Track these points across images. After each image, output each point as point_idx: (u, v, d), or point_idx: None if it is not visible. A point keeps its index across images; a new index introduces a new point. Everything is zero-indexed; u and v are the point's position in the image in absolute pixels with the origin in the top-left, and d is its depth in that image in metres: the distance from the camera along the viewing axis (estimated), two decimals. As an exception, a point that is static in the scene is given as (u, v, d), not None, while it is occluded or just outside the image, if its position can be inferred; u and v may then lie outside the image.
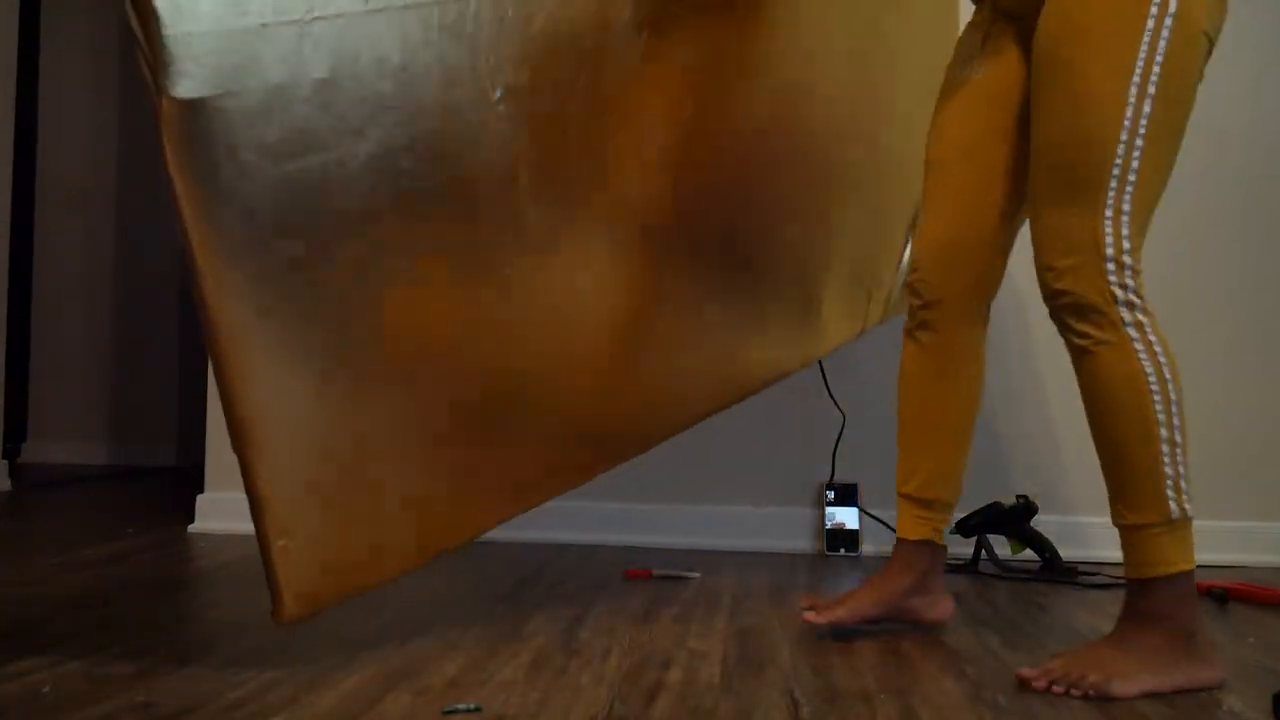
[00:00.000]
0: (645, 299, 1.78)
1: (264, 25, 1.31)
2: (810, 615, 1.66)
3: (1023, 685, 1.42)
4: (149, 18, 1.25)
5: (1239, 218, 2.54)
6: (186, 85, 1.27)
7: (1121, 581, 2.09)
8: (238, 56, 1.29)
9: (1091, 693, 1.38)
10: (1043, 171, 1.49)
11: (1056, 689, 1.40)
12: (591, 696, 1.35)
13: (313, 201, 1.36)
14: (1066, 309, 1.47)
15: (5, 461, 3.39)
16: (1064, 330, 1.49)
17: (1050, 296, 1.48)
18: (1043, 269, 1.49)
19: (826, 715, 1.30)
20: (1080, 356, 1.48)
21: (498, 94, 1.49)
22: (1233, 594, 2.00)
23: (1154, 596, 1.46)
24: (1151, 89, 1.43)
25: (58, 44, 4.36)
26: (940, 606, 1.73)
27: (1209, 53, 1.49)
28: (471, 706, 1.27)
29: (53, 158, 4.35)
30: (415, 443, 1.51)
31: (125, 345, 4.33)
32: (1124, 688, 1.39)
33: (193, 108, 1.28)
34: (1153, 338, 1.45)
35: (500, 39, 1.51)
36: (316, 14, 1.34)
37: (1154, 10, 1.43)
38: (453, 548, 1.59)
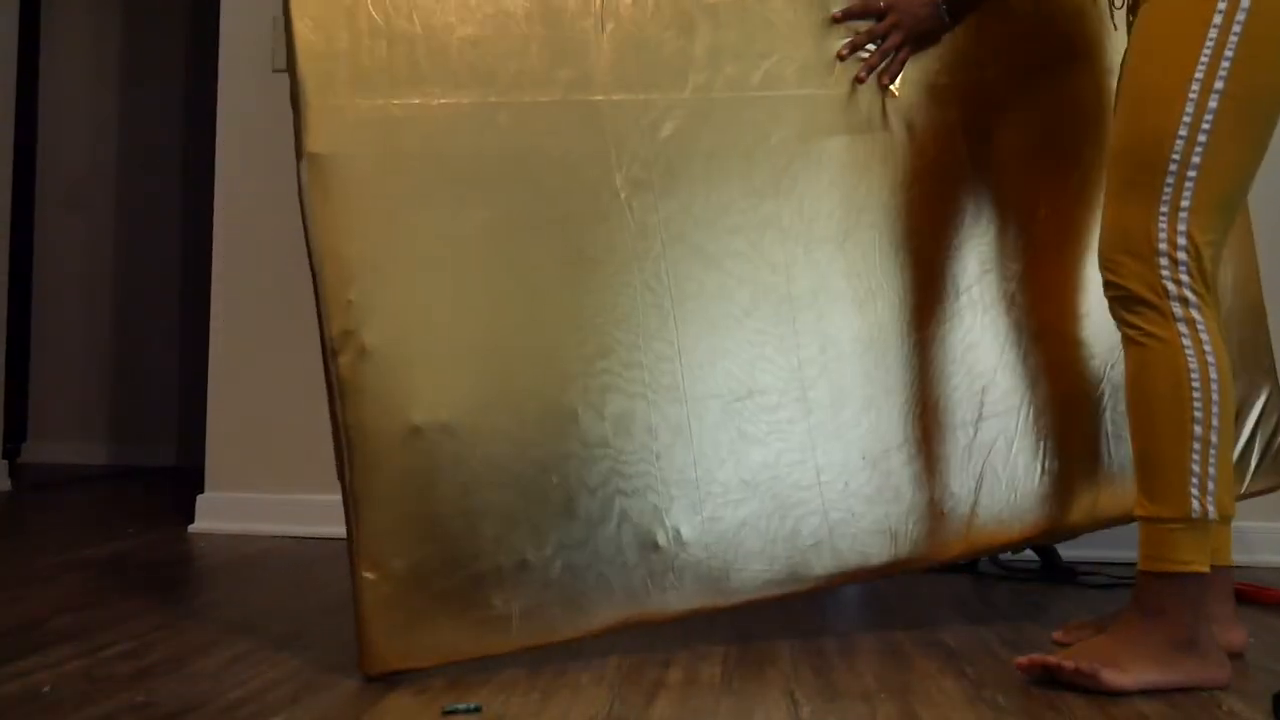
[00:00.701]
0: None
1: (403, 105, 1.53)
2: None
3: (1019, 671, 1.45)
4: (297, 88, 1.52)
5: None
6: (322, 143, 1.52)
7: (1121, 581, 2.10)
8: (373, 127, 1.52)
9: (1083, 682, 1.40)
10: (1108, 169, 1.55)
11: (1040, 672, 1.43)
12: (591, 696, 1.35)
13: (430, 252, 1.53)
14: (1119, 301, 1.50)
15: (5, 461, 3.39)
16: (1118, 321, 1.52)
17: (1106, 287, 1.52)
18: (1101, 262, 1.53)
19: (826, 715, 1.30)
20: (1129, 347, 1.50)
21: (620, 183, 1.61)
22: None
23: (1160, 592, 1.45)
24: (1219, 84, 1.44)
25: (58, 44, 4.36)
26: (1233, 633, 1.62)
27: None
28: (471, 706, 1.27)
29: (53, 158, 4.35)
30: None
31: (125, 345, 4.33)
32: (1117, 679, 1.40)
33: (327, 161, 1.51)
34: (1204, 336, 1.46)
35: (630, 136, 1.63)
36: (442, 100, 1.55)
37: (1222, 6, 1.44)
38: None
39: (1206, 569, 1.45)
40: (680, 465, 1.61)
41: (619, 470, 1.58)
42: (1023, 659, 1.47)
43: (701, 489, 1.62)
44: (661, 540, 1.59)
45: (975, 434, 1.76)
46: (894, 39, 1.72)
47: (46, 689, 1.33)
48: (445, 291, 1.53)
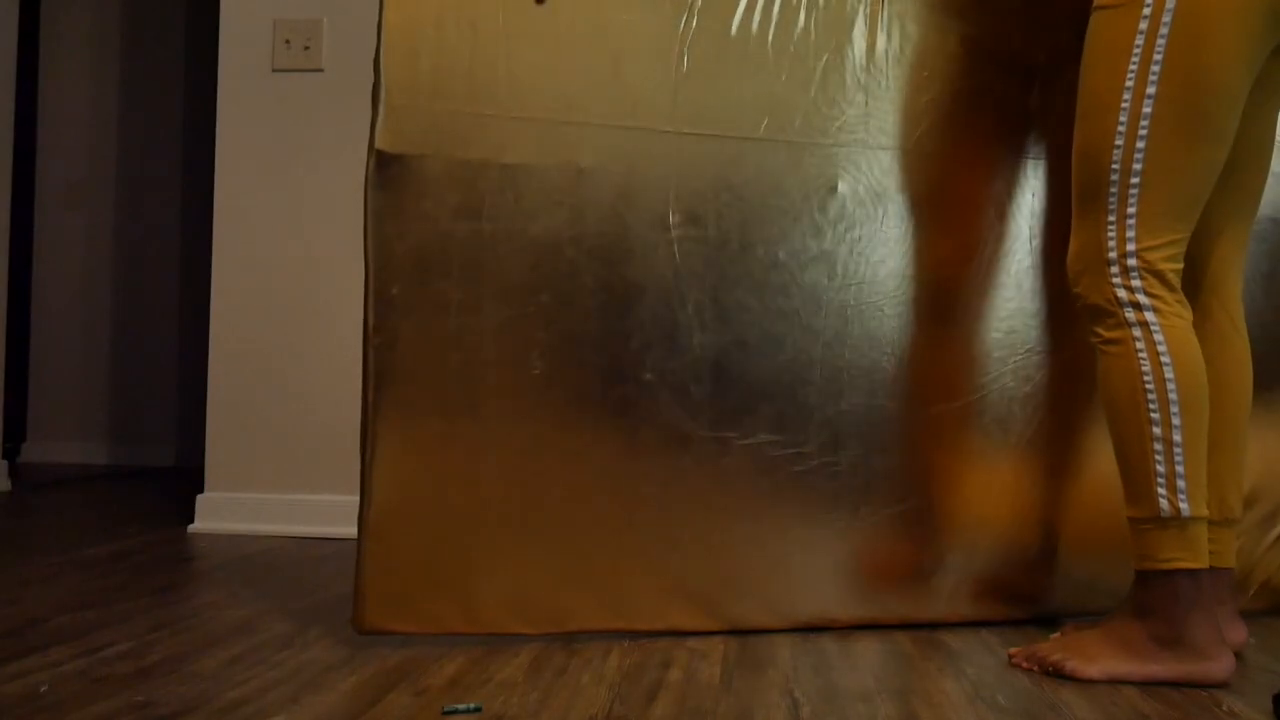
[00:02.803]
0: None
1: (476, 115, 1.58)
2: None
3: (1013, 662, 1.53)
4: (378, 84, 1.55)
5: None
6: (391, 141, 1.55)
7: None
8: (444, 132, 1.56)
9: (1050, 670, 1.47)
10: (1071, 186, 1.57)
11: (1026, 665, 1.51)
12: (591, 696, 1.35)
13: (476, 258, 1.58)
14: (1083, 312, 1.54)
15: (5, 461, 3.39)
16: (1087, 330, 1.55)
17: (1074, 300, 1.55)
18: (1068, 276, 1.56)
19: (826, 715, 1.30)
20: (1097, 356, 1.53)
21: (674, 219, 1.64)
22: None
23: (1147, 590, 1.48)
24: (1150, 89, 1.45)
25: (58, 43, 4.36)
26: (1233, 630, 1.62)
27: (1265, 33, 1.45)
28: (471, 706, 1.27)
29: (53, 157, 4.35)
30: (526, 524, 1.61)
31: (125, 345, 4.33)
32: (1083, 668, 1.46)
33: (393, 160, 1.55)
34: (1158, 337, 1.47)
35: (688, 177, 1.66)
36: (516, 114, 1.60)
37: (1146, 12, 1.45)
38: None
39: (1196, 565, 1.46)
40: None
41: None
42: (1015, 650, 1.55)
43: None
44: None
45: None
46: None
47: (45, 688, 1.33)
48: (480, 298, 1.58)
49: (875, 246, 1.72)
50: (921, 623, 1.75)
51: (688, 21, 1.65)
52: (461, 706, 1.27)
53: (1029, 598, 1.80)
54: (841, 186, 1.71)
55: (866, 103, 1.72)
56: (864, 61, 1.72)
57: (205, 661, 1.47)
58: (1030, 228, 1.78)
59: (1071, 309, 1.61)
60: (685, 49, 1.65)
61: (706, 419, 1.65)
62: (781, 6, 1.69)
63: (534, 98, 1.60)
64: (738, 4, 1.67)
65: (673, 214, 1.64)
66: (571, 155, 1.61)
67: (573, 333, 1.61)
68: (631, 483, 1.63)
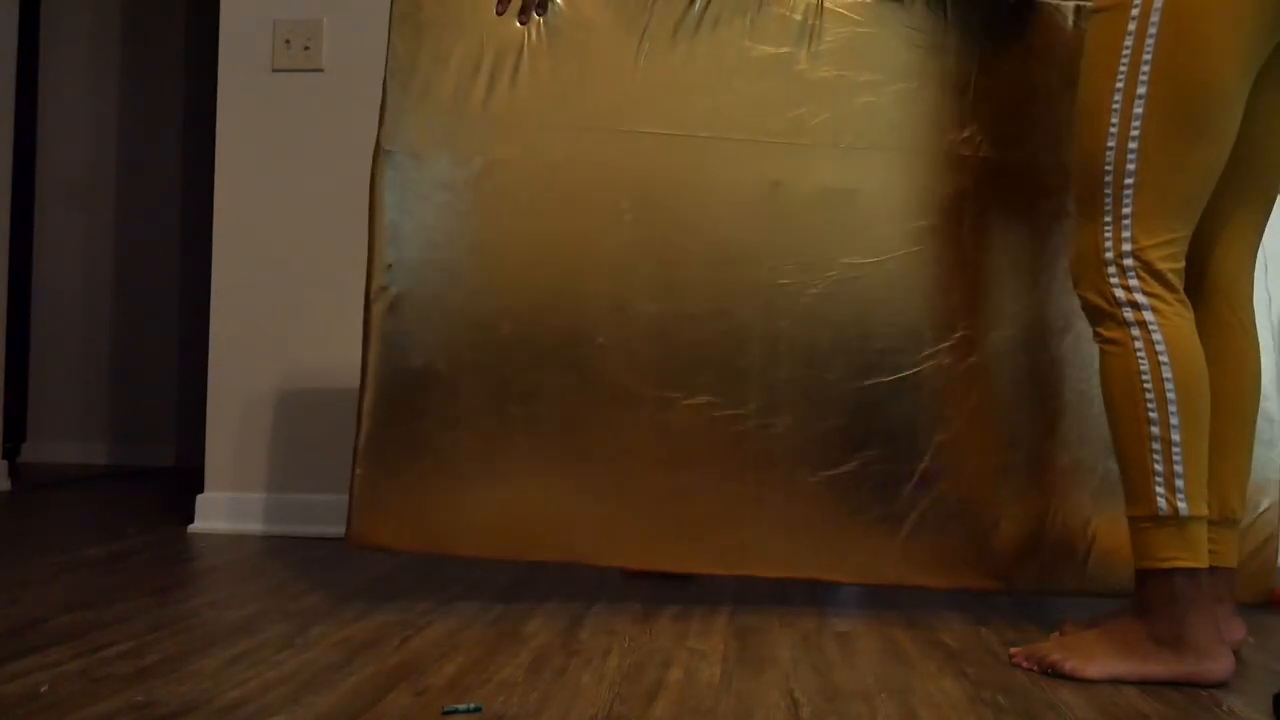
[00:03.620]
0: None
1: (464, 120, 1.85)
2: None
3: (1014, 661, 1.53)
4: (385, 91, 1.83)
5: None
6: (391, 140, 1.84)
7: (1121, 581, 2.08)
8: (429, 135, 1.84)
9: (1050, 670, 1.47)
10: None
11: (1026, 664, 1.51)
12: (591, 696, 1.35)
13: (458, 234, 1.86)
14: (1085, 313, 1.56)
15: (5, 461, 3.39)
16: (1092, 332, 1.56)
17: (1079, 301, 1.56)
18: (1071, 276, 1.58)
19: (826, 715, 1.30)
20: (1099, 356, 1.54)
21: (628, 205, 1.86)
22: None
23: (1148, 589, 1.48)
24: (1141, 89, 1.46)
25: (58, 44, 4.36)
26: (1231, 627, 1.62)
27: (1262, 30, 1.45)
28: (471, 706, 1.27)
29: (53, 158, 4.35)
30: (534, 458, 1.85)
31: (125, 345, 4.33)
32: (1082, 668, 1.46)
33: (391, 155, 1.84)
34: (1156, 336, 1.47)
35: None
36: (498, 119, 1.86)
37: (1134, 14, 1.45)
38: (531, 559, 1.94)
39: (1195, 564, 1.46)
40: None
41: None
42: (1016, 649, 1.55)
43: None
44: None
45: None
46: None
47: (44, 688, 1.33)
48: (460, 268, 1.84)
49: (810, 233, 1.87)
50: (860, 584, 1.93)
51: (642, 40, 1.86)
52: (461, 706, 1.27)
53: (970, 566, 1.88)
54: (781, 179, 1.87)
55: (805, 104, 1.88)
56: (804, 65, 1.88)
57: (205, 661, 1.47)
58: (967, 217, 1.89)
59: (1004, 293, 1.85)
60: (641, 61, 1.86)
61: (653, 379, 1.84)
62: (724, 18, 1.87)
63: (513, 106, 1.84)
64: (684, 18, 1.86)
65: (626, 200, 1.85)
66: (542, 153, 1.84)
67: (536, 301, 1.84)
68: (585, 433, 1.84)
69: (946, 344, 1.87)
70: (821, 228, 1.86)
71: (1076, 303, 1.73)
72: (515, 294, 1.84)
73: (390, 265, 1.82)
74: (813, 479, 1.86)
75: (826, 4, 1.88)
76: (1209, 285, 1.61)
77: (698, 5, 1.87)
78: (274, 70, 2.67)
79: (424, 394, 1.82)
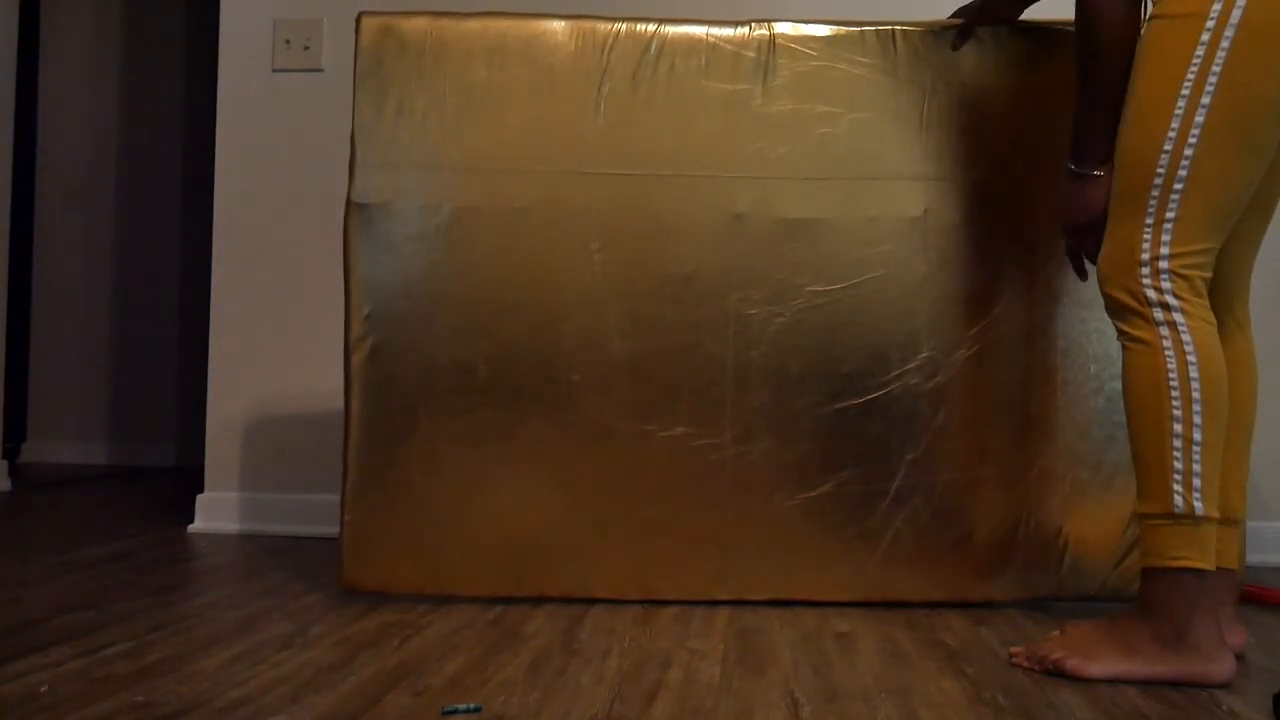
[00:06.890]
0: None
1: (431, 169, 1.92)
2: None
3: (1013, 661, 1.53)
4: (353, 154, 1.91)
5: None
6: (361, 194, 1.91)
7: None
8: (397, 187, 1.91)
9: (1051, 669, 1.48)
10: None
11: (1026, 664, 1.51)
12: (591, 696, 1.35)
13: (431, 282, 1.91)
14: (1111, 310, 1.56)
15: (5, 461, 3.39)
16: (1116, 331, 1.57)
17: (1104, 299, 1.57)
18: (1099, 276, 1.58)
19: (826, 715, 1.30)
20: (1122, 353, 1.55)
21: (596, 244, 1.90)
22: (1233, 594, 2.00)
23: (1154, 588, 1.48)
24: (1206, 99, 1.47)
25: (58, 43, 4.36)
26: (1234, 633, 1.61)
27: None
28: (471, 706, 1.27)
29: (53, 158, 4.35)
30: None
31: (125, 345, 4.33)
32: (1083, 667, 1.46)
33: (360, 208, 1.91)
34: (1186, 337, 1.49)
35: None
36: (464, 168, 1.92)
37: (1210, 24, 1.46)
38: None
39: (1204, 565, 1.46)
40: None
41: None
42: (1016, 649, 1.55)
43: None
44: None
45: None
46: None
47: (44, 688, 1.33)
48: (435, 314, 1.90)
49: (774, 263, 1.91)
50: (831, 603, 1.91)
51: (601, 83, 1.91)
52: (461, 706, 1.27)
53: (947, 578, 1.92)
54: (742, 212, 1.91)
55: (763, 138, 1.92)
56: (760, 101, 1.92)
57: (205, 661, 1.47)
58: (925, 240, 1.92)
59: (969, 312, 1.90)
60: (602, 105, 1.91)
61: (630, 413, 1.89)
62: (679, 58, 1.91)
63: (478, 154, 1.91)
64: (642, 60, 1.91)
65: (595, 240, 1.90)
66: (509, 198, 1.90)
67: (511, 342, 1.89)
68: (566, 469, 1.89)
69: (913, 364, 1.91)
70: (786, 257, 1.90)
71: (1037, 317, 1.85)
72: (490, 337, 1.89)
73: (368, 315, 1.88)
74: (790, 502, 1.90)
75: (778, 40, 1.92)
76: (1212, 289, 1.61)
77: (654, 47, 1.91)
78: (274, 70, 2.67)
79: (406, 438, 1.88)
